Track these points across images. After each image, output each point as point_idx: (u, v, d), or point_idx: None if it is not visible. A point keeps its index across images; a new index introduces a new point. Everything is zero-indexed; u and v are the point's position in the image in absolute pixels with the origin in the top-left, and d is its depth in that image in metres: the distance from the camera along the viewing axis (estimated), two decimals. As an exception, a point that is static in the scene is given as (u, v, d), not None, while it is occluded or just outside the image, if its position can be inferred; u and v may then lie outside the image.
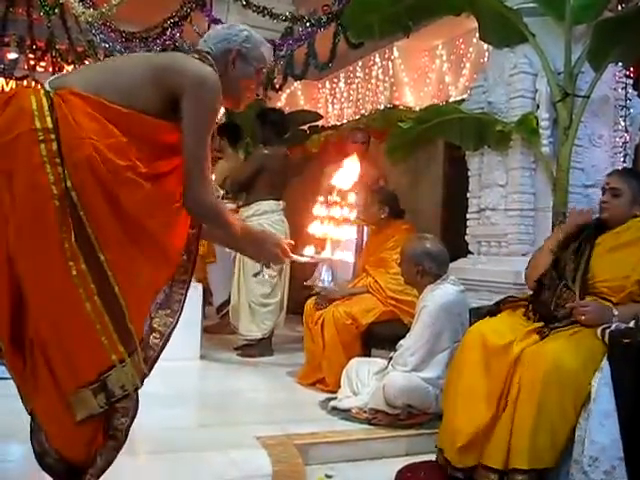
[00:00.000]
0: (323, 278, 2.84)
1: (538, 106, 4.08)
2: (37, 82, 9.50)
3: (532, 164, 4.15)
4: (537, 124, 4.00)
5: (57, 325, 1.98)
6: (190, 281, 2.36)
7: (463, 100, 7.79)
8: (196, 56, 2.27)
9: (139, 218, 2.06)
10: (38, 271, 1.96)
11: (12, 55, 7.74)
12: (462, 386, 2.99)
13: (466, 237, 4.54)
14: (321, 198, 3.20)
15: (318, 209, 2.99)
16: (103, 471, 2.14)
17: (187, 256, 2.34)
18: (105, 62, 2.34)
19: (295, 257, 2.59)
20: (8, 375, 2.24)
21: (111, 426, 2.13)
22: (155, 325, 2.23)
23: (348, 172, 3.18)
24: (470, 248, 4.52)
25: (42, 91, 2.02)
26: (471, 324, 3.33)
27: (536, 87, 4.09)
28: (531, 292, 3.30)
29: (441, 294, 3.67)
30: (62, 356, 2.00)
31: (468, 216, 4.52)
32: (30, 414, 2.17)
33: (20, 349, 2.06)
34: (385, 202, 4.72)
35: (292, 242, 2.56)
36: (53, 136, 1.94)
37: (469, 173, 4.56)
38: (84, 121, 1.98)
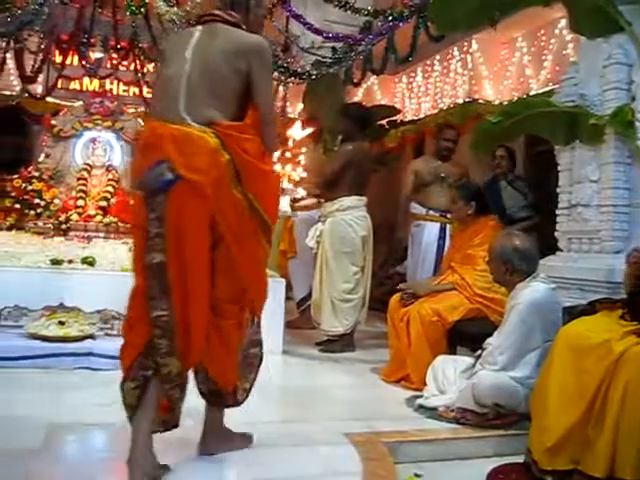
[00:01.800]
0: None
1: (634, 98, 3.95)
2: (119, 80, 9.76)
3: (627, 158, 4.02)
4: (633, 117, 3.86)
5: (257, 278, 2.82)
6: None
7: (545, 93, 7.67)
8: (228, 18, 2.82)
9: (276, 192, 2.99)
10: (245, 249, 2.71)
11: (97, 54, 7.93)
12: (553, 386, 2.92)
13: (556, 234, 4.43)
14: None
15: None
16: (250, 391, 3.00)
17: None
18: (197, 78, 2.72)
19: None
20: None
21: (256, 352, 3.01)
22: None
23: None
24: (560, 245, 4.41)
25: (209, 131, 2.63)
26: (565, 323, 3.24)
27: (632, 78, 3.96)
28: (627, 293, 3.19)
29: (532, 292, 3.58)
30: (259, 294, 2.86)
31: (558, 212, 4.41)
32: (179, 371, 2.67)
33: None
34: (471, 197, 4.64)
35: None
36: (232, 165, 2.64)
37: (559, 168, 4.44)
38: (247, 146, 2.68)
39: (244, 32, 2.80)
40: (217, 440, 2.97)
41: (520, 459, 3.17)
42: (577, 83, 4.30)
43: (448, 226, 5.72)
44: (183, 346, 2.59)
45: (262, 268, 2.86)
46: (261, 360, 3.01)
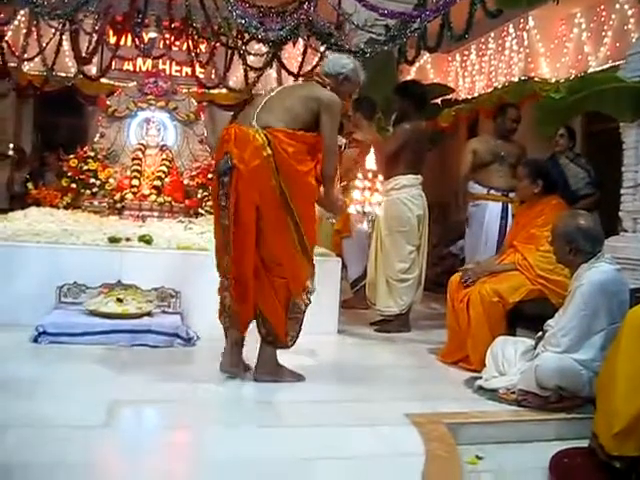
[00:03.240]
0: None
1: None
2: (172, 60, 9.79)
3: (698, 135, 3.88)
4: None
5: (288, 264, 3.59)
6: None
7: (604, 70, 7.46)
8: (320, 81, 3.79)
9: (309, 195, 3.63)
10: (276, 229, 3.55)
11: (151, 34, 7.96)
12: (622, 369, 2.83)
13: (620, 213, 4.31)
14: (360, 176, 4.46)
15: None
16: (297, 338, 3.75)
17: None
18: (275, 101, 3.67)
19: (349, 210, 4.40)
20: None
21: (299, 310, 3.70)
22: None
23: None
24: (624, 225, 4.30)
25: (261, 132, 3.51)
26: (632, 306, 3.15)
27: None
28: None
29: (596, 273, 3.47)
30: (293, 276, 3.61)
31: (622, 191, 4.31)
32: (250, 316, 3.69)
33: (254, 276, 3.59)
34: (538, 175, 4.50)
35: (347, 201, 4.19)
36: (272, 159, 3.48)
37: (624, 146, 4.33)
38: (287, 148, 3.51)
39: (324, 89, 3.74)
40: (266, 371, 3.71)
41: (582, 443, 3.10)
42: (645, 58, 4.16)
43: (510, 206, 5.59)
44: (233, 285, 3.60)
45: (292, 251, 3.58)
46: (302, 321, 3.73)
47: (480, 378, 3.89)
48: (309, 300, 3.70)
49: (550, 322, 3.70)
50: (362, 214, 4.26)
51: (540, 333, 3.78)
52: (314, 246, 3.73)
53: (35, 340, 4.21)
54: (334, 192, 3.81)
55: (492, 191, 5.75)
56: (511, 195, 5.58)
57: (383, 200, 5.42)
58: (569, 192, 5.59)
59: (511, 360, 3.82)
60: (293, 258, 3.58)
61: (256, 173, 3.47)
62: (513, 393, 3.61)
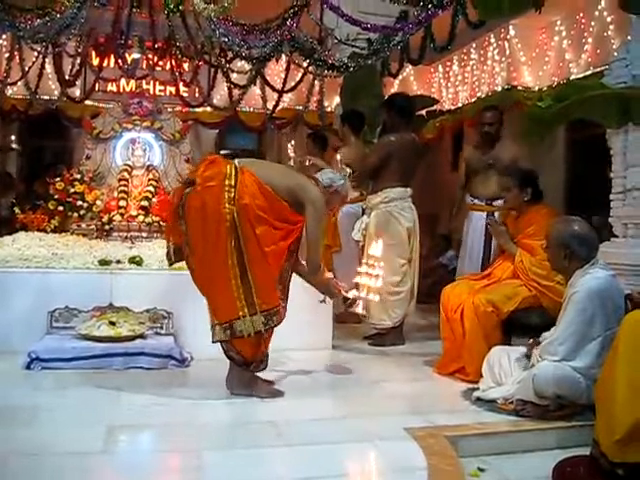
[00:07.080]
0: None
1: (689, 77, 3.83)
2: (156, 80, 9.79)
3: (684, 139, 3.91)
4: (690, 96, 3.75)
5: (215, 290, 3.69)
6: (291, 273, 3.95)
7: (586, 77, 7.53)
8: (314, 183, 4.02)
9: (261, 242, 3.63)
10: (213, 259, 3.64)
11: (135, 55, 7.96)
12: (620, 375, 2.84)
13: (610, 219, 4.33)
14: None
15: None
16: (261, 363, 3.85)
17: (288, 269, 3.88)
18: (260, 165, 3.96)
19: (344, 293, 4.37)
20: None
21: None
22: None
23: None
24: (614, 231, 4.31)
25: (233, 164, 3.73)
26: (627, 311, 3.15)
27: (687, 57, 3.85)
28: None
29: (591, 279, 3.48)
30: (214, 306, 3.72)
31: (612, 197, 4.31)
32: None
33: None
34: (526, 183, 4.48)
35: (344, 286, 4.34)
36: (233, 190, 3.62)
37: (612, 152, 4.34)
38: (250, 185, 3.65)
39: (314, 186, 3.95)
40: (236, 383, 3.81)
41: (584, 451, 3.10)
42: (628, 64, 4.19)
43: (496, 214, 5.55)
44: (198, 285, 3.80)
45: (225, 283, 3.61)
46: (260, 343, 3.77)
47: (477, 389, 3.90)
48: (243, 334, 3.64)
49: (545, 334, 3.70)
50: None
51: (531, 340, 3.79)
52: (272, 286, 3.69)
53: (28, 366, 4.16)
54: (323, 278, 4.07)
55: (476, 201, 5.70)
56: (495, 203, 5.51)
57: (372, 213, 5.44)
58: None
59: (507, 370, 3.82)
60: (224, 289, 3.62)
61: (207, 193, 3.62)
62: (511, 403, 3.62)
